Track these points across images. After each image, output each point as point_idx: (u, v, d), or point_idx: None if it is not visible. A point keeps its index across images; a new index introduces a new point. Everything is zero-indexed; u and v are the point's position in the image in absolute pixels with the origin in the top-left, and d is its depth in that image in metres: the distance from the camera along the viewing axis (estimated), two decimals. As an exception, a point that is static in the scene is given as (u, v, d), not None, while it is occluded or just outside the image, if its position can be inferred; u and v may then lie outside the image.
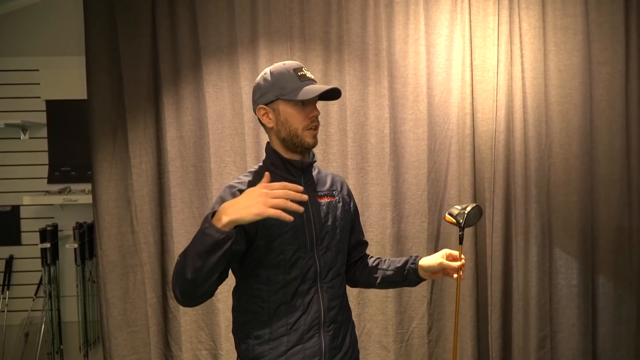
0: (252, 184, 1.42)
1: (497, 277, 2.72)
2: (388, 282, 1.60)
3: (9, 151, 2.99)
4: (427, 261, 1.53)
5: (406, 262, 1.57)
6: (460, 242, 1.60)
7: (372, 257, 1.68)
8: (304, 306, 1.40)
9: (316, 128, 1.42)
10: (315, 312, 1.41)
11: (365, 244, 1.69)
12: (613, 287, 2.77)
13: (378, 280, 1.60)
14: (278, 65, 1.43)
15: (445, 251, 1.54)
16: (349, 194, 1.61)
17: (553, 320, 2.77)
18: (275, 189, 1.15)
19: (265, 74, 1.43)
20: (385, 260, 1.63)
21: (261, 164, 1.51)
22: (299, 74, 1.40)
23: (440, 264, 1.50)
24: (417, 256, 1.57)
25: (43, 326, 2.91)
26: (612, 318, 2.77)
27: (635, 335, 2.75)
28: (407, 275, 1.56)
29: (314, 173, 1.53)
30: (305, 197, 1.17)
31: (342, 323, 1.49)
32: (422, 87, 2.72)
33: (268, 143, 1.49)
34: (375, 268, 1.62)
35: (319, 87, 1.37)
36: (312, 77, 1.42)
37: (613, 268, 2.76)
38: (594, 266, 2.77)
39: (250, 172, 1.49)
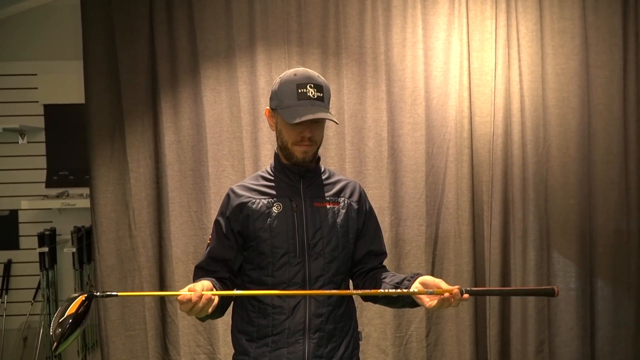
0: (246, 185, 1.51)
1: (496, 280, 2.72)
2: (385, 298, 1.41)
3: (7, 155, 2.99)
4: (425, 278, 1.32)
5: (404, 279, 1.38)
6: None
7: (386, 270, 1.55)
8: (289, 310, 1.42)
9: (308, 145, 1.41)
10: (300, 318, 1.42)
11: (380, 255, 1.57)
12: (611, 290, 2.77)
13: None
14: (290, 73, 1.42)
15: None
16: (361, 201, 1.54)
17: (551, 324, 2.76)
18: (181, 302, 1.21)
19: (278, 78, 1.45)
20: (391, 274, 1.48)
21: (270, 164, 1.55)
22: (300, 90, 1.37)
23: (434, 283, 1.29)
24: (418, 274, 1.36)
25: (41, 330, 2.91)
26: (610, 321, 2.77)
27: (634, 339, 2.76)
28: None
29: (324, 177, 1.53)
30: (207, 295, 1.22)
31: (331, 333, 1.45)
32: (420, 91, 2.72)
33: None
34: (379, 281, 1.46)
35: (305, 115, 1.33)
36: (315, 95, 1.38)
37: (611, 271, 2.76)
38: (592, 270, 2.77)
39: (255, 174, 1.55)
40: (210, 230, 2.71)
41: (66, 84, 2.94)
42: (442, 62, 2.73)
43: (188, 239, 2.70)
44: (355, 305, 2.81)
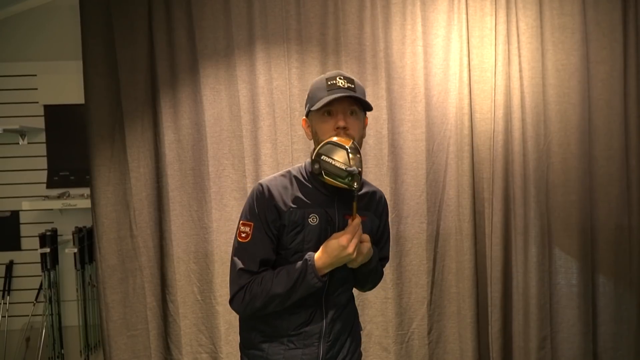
0: (281, 186, 1.43)
1: (497, 277, 2.72)
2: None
3: (7, 157, 2.99)
4: None
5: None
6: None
7: None
8: (307, 316, 1.44)
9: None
10: (317, 324, 1.44)
11: (382, 259, 1.64)
12: (613, 286, 2.76)
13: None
14: (322, 75, 1.45)
15: None
16: (383, 212, 1.58)
17: (553, 320, 2.76)
18: (350, 234, 1.34)
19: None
20: None
21: (302, 165, 1.50)
22: (329, 82, 1.38)
23: None
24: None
25: (44, 331, 2.91)
26: (612, 317, 2.76)
27: (636, 335, 2.75)
28: None
29: None
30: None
31: (340, 333, 1.49)
32: (420, 88, 2.71)
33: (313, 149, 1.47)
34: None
35: (333, 96, 1.34)
36: (346, 85, 1.37)
37: (613, 267, 2.75)
38: (594, 266, 2.77)
39: (287, 172, 1.48)
40: (211, 230, 2.71)
41: (66, 85, 2.94)
42: (441, 59, 2.72)
43: (189, 238, 2.70)
44: (357, 302, 2.81)
